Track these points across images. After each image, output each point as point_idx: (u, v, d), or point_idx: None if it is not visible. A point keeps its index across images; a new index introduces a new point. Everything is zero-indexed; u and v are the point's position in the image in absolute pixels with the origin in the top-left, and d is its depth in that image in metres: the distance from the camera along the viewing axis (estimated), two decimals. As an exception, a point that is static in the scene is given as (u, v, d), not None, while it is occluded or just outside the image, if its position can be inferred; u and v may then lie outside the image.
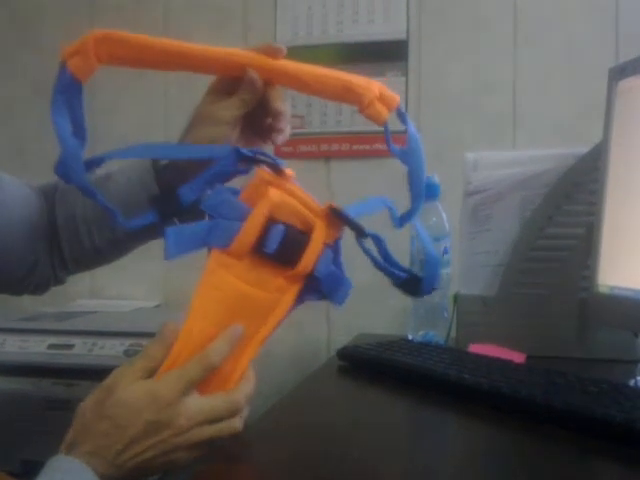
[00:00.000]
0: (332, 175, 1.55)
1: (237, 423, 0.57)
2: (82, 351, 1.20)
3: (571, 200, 0.99)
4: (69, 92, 0.58)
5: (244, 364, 0.58)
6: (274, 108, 0.66)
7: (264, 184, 0.57)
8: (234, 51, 0.63)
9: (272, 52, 0.63)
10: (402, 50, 1.56)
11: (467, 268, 1.08)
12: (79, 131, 0.59)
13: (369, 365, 0.88)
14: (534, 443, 0.60)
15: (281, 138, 0.70)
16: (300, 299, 0.59)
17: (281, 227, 0.56)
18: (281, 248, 0.56)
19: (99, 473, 0.51)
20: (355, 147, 1.55)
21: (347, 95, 0.60)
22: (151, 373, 0.55)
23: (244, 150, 0.58)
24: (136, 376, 0.54)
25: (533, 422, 0.63)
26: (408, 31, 1.56)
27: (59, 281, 0.82)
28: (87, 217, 0.75)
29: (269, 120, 0.69)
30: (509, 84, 1.50)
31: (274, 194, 0.56)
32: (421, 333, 1.06)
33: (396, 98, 0.61)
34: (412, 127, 0.62)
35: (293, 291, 0.57)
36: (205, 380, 0.55)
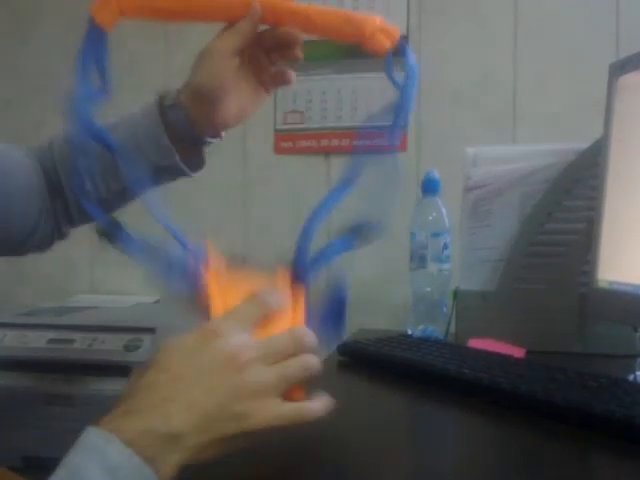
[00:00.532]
0: (332, 171, 1.55)
1: (308, 357, 0.50)
2: (82, 346, 1.20)
3: (571, 195, 0.99)
4: (96, 43, 0.62)
5: None
6: (287, 32, 0.66)
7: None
8: None
9: None
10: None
11: (467, 263, 1.08)
12: (103, 79, 0.63)
13: (369, 360, 0.88)
14: (533, 438, 0.60)
15: (291, 76, 0.72)
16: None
17: None
18: None
19: (140, 431, 0.42)
20: (355, 142, 1.55)
21: (349, 28, 0.62)
22: None
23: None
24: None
25: (532, 417, 0.63)
26: (408, 27, 1.55)
27: (63, 236, 0.81)
28: (91, 169, 0.71)
29: (274, 69, 0.71)
30: (509, 79, 1.50)
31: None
32: (421, 328, 1.06)
33: (397, 29, 0.63)
34: (412, 59, 0.63)
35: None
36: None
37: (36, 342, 1.23)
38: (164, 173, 0.74)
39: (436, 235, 1.04)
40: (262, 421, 0.46)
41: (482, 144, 1.12)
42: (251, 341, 0.48)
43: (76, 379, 1.20)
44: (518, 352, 0.89)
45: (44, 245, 0.80)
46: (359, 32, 0.61)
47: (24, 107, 1.76)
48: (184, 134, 0.72)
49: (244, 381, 0.46)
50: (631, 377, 0.78)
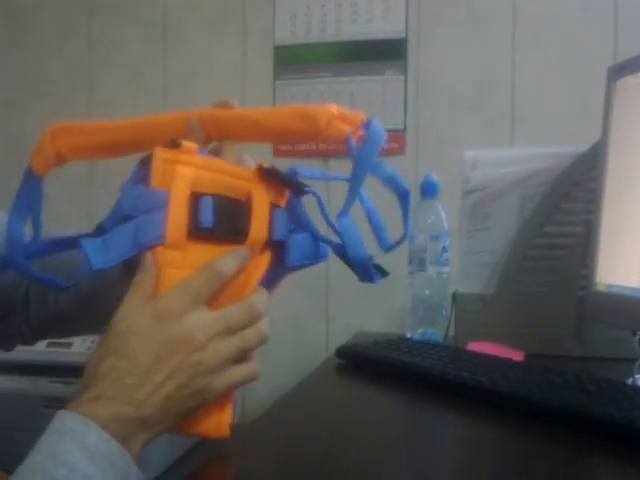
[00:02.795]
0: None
1: (262, 326, 0.51)
2: (80, 349, 1.20)
3: (570, 199, 1.00)
4: (31, 188, 0.57)
5: None
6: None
7: (168, 164, 0.51)
8: (184, 112, 0.58)
9: (224, 106, 0.58)
10: (401, 49, 1.56)
11: (466, 266, 1.08)
12: (36, 223, 0.58)
13: (368, 363, 0.88)
14: (532, 441, 0.60)
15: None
16: (279, 271, 0.54)
17: (209, 198, 0.50)
18: (221, 221, 0.50)
19: (108, 416, 0.44)
20: (354, 146, 1.55)
21: (302, 124, 0.55)
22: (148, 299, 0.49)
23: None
24: (132, 302, 0.48)
25: (531, 420, 0.63)
26: (407, 30, 1.56)
27: (26, 340, 0.77)
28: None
29: None
30: (508, 83, 1.50)
31: (184, 171, 0.51)
32: (420, 331, 1.06)
33: (360, 115, 0.55)
34: (378, 129, 0.54)
35: (261, 263, 0.52)
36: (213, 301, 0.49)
37: (35, 345, 1.23)
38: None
39: (435, 238, 1.04)
40: (220, 391, 0.49)
41: (481, 147, 1.13)
42: (205, 319, 0.48)
43: (74, 382, 1.19)
44: (517, 355, 0.89)
45: (7, 340, 0.76)
46: (313, 126, 0.54)
47: (21, 108, 1.76)
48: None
49: (201, 361, 0.47)
50: (630, 380, 0.78)
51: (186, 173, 0.51)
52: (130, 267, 0.67)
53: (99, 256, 0.49)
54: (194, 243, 0.50)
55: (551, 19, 1.48)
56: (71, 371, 1.20)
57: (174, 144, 0.51)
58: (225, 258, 0.50)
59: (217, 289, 0.49)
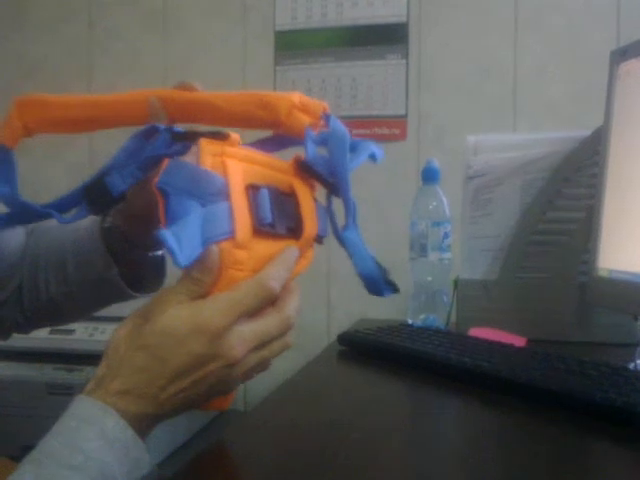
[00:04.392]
0: (332, 160, 1.54)
1: (289, 338, 0.52)
2: (83, 336, 1.20)
3: (572, 184, 0.99)
4: (2, 162, 0.56)
5: None
6: None
7: (217, 157, 0.48)
8: (145, 91, 0.57)
9: (186, 87, 0.57)
10: (402, 33, 1.55)
11: (467, 252, 1.08)
12: (11, 195, 0.57)
13: (369, 350, 0.88)
14: (534, 426, 0.60)
15: None
16: None
17: (265, 191, 0.48)
18: (278, 215, 0.49)
19: (133, 413, 0.45)
20: (354, 132, 1.54)
21: (262, 112, 0.53)
22: (197, 298, 0.47)
23: (177, 128, 0.51)
24: (179, 299, 0.47)
25: (533, 405, 0.63)
26: (408, 14, 1.55)
27: (21, 329, 0.77)
28: (48, 265, 0.72)
29: None
30: (510, 67, 1.49)
31: (233, 164, 0.48)
32: (421, 317, 1.06)
33: (322, 105, 0.54)
34: (337, 125, 0.53)
35: (306, 261, 0.53)
36: None
37: (37, 332, 1.23)
38: (108, 286, 0.70)
39: (437, 224, 1.04)
40: (234, 389, 0.51)
41: (483, 133, 1.12)
42: (246, 335, 0.47)
43: (77, 369, 1.20)
44: (519, 341, 0.89)
45: (4, 329, 0.76)
46: (273, 115, 0.52)
47: (20, 93, 1.75)
48: (127, 257, 0.69)
49: (231, 373, 0.48)
50: (631, 365, 0.78)
51: (238, 165, 0.48)
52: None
53: (183, 254, 0.45)
54: (257, 241, 0.48)
55: (553, 3, 1.47)
56: (74, 358, 1.20)
57: (219, 135, 0.48)
58: (275, 271, 0.48)
59: (267, 303, 0.49)
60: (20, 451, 0.43)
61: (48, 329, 1.22)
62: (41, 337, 1.21)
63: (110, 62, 1.72)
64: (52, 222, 0.59)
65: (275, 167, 0.51)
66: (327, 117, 0.53)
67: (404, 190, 1.36)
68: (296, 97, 0.52)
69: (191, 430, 1.42)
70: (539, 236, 1.01)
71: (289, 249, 0.50)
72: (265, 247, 0.49)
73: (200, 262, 0.46)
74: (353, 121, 1.54)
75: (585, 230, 0.94)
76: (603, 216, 0.87)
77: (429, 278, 1.06)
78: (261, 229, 0.48)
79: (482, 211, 1.07)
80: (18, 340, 1.22)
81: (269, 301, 0.49)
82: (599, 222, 0.87)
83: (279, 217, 0.49)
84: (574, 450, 0.55)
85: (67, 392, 1.17)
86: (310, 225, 0.51)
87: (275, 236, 0.49)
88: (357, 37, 1.58)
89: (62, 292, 0.72)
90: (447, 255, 1.06)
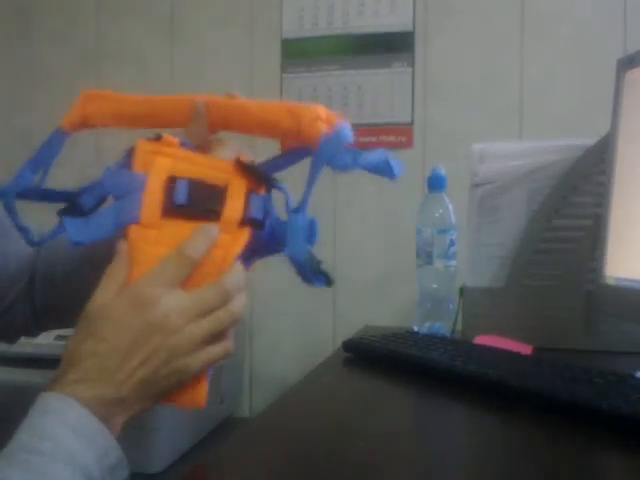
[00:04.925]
0: (338, 167, 1.55)
1: (235, 307, 0.52)
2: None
3: (578, 192, 0.99)
4: (53, 140, 0.61)
5: None
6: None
7: (149, 154, 0.54)
8: (194, 95, 0.61)
9: (228, 96, 0.61)
10: (408, 41, 1.56)
11: (473, 260, 1.08)
12: (44, 173, 0.61)
13: (375, 357, 0.88)
14: (540, 434, 0.60)
15: None
16: (258, 248, 0.56)
17: (184, 181, 0.53)
18: (196, 200, 0.53)
19: (91, 398, 0.47)
20: (361, 139, 1.55)
21: (288, 119, 0.56)
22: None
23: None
24: (107, 289, 0.50)
25: (539, 413, 0.63)
26: (414, 22, 1.55)
27: (29, 332, 0.77)
28: (66, 260, 0.72)
29: None
30: (516, 75, 1.50)
31: (162, 160, 0.54)
32: (427, 325, 1.06)
33: (340, 117, 0.56)
34: (343, 132, 0.54)
35: (239, 240, 0.54)
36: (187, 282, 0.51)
37: (44, 338, 1.23)
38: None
39: (442, 232, 1.04)
40: (196, 371, 0.51)
41: (489, 140, 1.12)
42: (180, 303, 0.50)
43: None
44: (525, 349, 0.89)
45: (9, 333, 0.77)
46: (297, 124, 0.55)
47: (28, 102, 1.76)
48: None
49: (177, 344, 0.50)
50: (638, 373, 0.78)
51: (164, 162, 0.54)
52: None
53: (79, 233, 0.53)
54: (168, 220, 0.53)
55: (560, 10, 1.47)
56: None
57: (156, 136, 0.55)
58: (192, 241, 0.52)
59: (189, 271, 0.51)
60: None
61: (54, 335, 1.22)
62: (47, 343, 1.22)
63: (118, 71, 1.72)
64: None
65: (213, 166, 0.55)
66: (339, 125, 0.55)
67: (410, 197, 1.36)
68: (322, 110, 0.55)
69: (196, 437, 1.42)
70: (545, 244, 1.01)
71: (206, 226, 0.53)
72: (180, 227, 0.53)
73: (115, 261, 0.52)
74: (359, 129, 1.54)
75: (592, 238, 0.94)
76: (610, 224, 0.87)
77: (435, 285, 1.06)
78: (173, 211, 0.53)
79: (488, 219, 1.07)
80: (24, 346, 1.22)
81: (191, 266, 0.51)
82: (606, 230, 0.87)
83: (198, 202, 0.53)
84: (580, 458, 0.55)
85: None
86: (232, 208, 0.54)
87: (191, 217, 0.53)
88: (363, 45, 1.59)
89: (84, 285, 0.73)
90: (453, 263, 1.06)
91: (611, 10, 1.44)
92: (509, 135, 1.48)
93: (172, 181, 0.54)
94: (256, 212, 0.54)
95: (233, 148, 0.58)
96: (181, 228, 0.53)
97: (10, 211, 0.59)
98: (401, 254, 1.33)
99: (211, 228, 0.52)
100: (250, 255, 0.56)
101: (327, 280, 0.55)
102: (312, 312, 1.58)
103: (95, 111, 0.61)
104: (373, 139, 1.54)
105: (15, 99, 1.79)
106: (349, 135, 0.54)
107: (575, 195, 0.99)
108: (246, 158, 0.55)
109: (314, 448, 0.58)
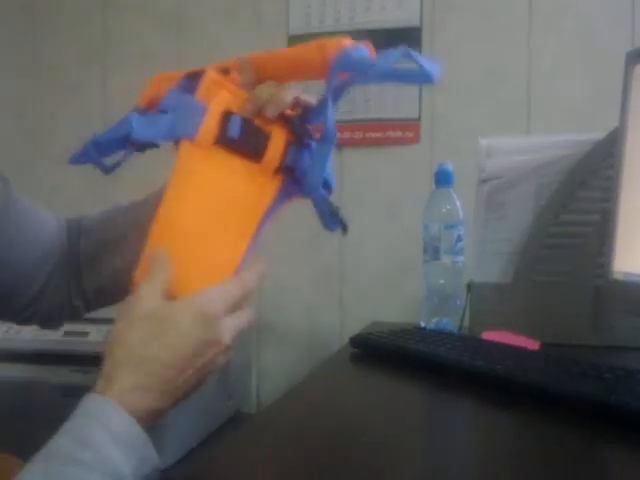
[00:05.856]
0: (344, 163, 1.55)
1: (252, 314, 0.57)
2: (97, 338, 1.21)
3: (586, 187, 0.99)
4: (129, 114, 0.62)
5: (238, 260, 0.58)
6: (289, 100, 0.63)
7: (215, 85, 0.60)
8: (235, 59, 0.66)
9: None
10: (415, 37, 1.55)
11: (481, 256, 1.08)
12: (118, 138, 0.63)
13: (382, 352, 0.88)
14: (548, 430, 0.60)
15: None
16: (285, 195, 0.61)
17: (238, 117, 0.58)
18: (244, 137, 0.58)
19: (142, 408, 0.47)
20: (368, 135, 1.54)
21: (316, 51, 0.60)
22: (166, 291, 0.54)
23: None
24: (154, 290, 0.53)
25: (547, 409, 0.63)
26: (421, 17, 1.54)
27: (76, 313, 0.78)
28: (111, 242, 0.73)
29: None
30: (523, 70, 1.49)
31: (225, 94, 0.59)
32: (434, 321, 1.06)
33: (367, 43, 0.62)
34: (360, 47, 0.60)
35: (273, 185, 0.60)
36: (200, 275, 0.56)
37: (52, 334, 1.24)
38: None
39: (450, 227, 1.04)
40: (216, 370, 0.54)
41: (496, 135, 1.12)
42: (234, 324, 0.54)
43: (92, 371, 1.20)
44: (533, 344, 0.88)
45: (53, 318, 0.77)
46: (323, 54, 0.59)
47: (37, 100, 1.77)
48: None
49: (220, 364, 0.54)
50: (647, 369, 0.77)
51: (226, 95, 0.60)
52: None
53: (140, 131, 0.57)
54: (217, 148, 0.58)
55: (567, 4, 1.46)
56: (89, 360, 1.21)
57: (225, 70, 0.61)
58: (252, 275, 0.57)
59: (246, 298, 0.56)
60: (33, 453, 0.43)
61: (61, 332, 1.22)
62: (55, 339, 1.22)
63: (124, 66, 1.72)
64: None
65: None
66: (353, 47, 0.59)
67: (417, 193, 1.36)
68: (347, 40, 0.60)
69: (204, 433, 1.42)
70: (553, 239, 1.01)
71: (260, 263, 0.58)
72: (225, 156, 0.58)
73: (153, 268, 0.54)
74: (366, 124, 1.54)
75: (600, 233, 0.94)
76: (618, 219, 0.86)
77: (442, 281, 1.06)
78: (224, 140, 0.58)
79: (495, 214, 1.07)
80: (32, 343, 1.23)
81: (247, 296, 0.55)
82: (614, 225, 0.87)
83: (246, 140, 0.58)
84: (588, 454, 0.55)
85: (81, 394, 1.17)
86: (272, 152, 0.59)
87: (236, 151, 0.58)
88: (370, 41, 1.58)
89: (128, 263, 0.73)
90: (460, 258, 1.05)
91: (619, 3, 1.43)
92: (516, 130, 1.47)
93: (228, 114, 0.58)
94: (291, 162, 0.59)
95: (294, 91, 0.61)
96: (226, 158, 0.58)
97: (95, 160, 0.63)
98: (408, 250, 1.33)
99: (258, 270, 0.58)
100: (279, 199, 0.61)
101: (343, 226, 0.61)
102: (319, 308, 1.58)
103: (161, 92, 0.64)
104: (380, 134, 1.54)
105: (21, 96, 1.80)
106: (366, 51, 0.60)
107: (583, 190, 0.99)
108: (305, 99, 0.61)
109: (321, 444, 0.58)
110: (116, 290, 0.76)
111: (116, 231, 0.73)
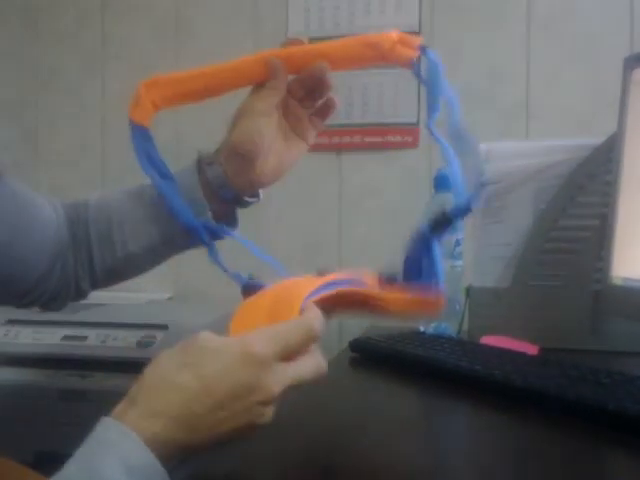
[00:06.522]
0: (343, 167, 1.55)
1: (322, 362, 0.52)
2: (95, 342, 1.21)
3: (585, 192, 0.99)
4: (141, 139, 0.64)
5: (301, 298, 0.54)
6: (312, 76, 0.67)
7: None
8: (258, 55, 0.67)
9: (292, 43, 0.68)
10: (414, 41, 1.55)
11: (480, 260, 1.08)
12: (163, 171, 0.66)
13: (381, 357, 0.88)
14: (546, 435, 0.60)
15: (334, 101, 0.74)
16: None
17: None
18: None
19: (160, 439, 0.43)
20: (367, 139, 1.54)
21: (368, 51, 0.63)
22: None
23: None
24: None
25: (545, 414, 0.63)
26: (420, 21, 1.55)
27: (81, 295, 0.78)
28: (124, 224, 0.73)
29: (309, 114, 0.74)
30: (522, 74, 1.49)
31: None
32: (433, 325, 1.06)
33: (417, 39, 0.65)
34: (434, 57, 0.66)
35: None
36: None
37: (50, 339, 1.24)
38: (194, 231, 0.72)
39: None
40: (247, 438, 0.48)
41: (495, 140, 1.12)
42: (285, 375, 0.48)
43: (90, 375, 1.20)
44: (531, 349, 0.88)
45: (57, 300, 0.77)
46: (378, 51, 0.63)
47: (36, 102, 1.77)
48: (221, 193, 0.72)
49: (265, 413, 0.47)
50: (646, 374, 0.77)
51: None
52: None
53: None
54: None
55: (566, 9, 1.46)
56: (87, 364, 1.20)
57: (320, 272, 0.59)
58: (320, 320, 0.50)
59: (309, 346, 0.49)
60: (33, 457, 0.42)
61: (60, 335, 1.22)
62: (53, 343, 1.22)
63: (124, 70, 1.73)
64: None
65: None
66: (423, 49, 0.64)
67: (416, 197, 1.36)
68: (394, 34, 0.63)
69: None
70: (552, 244, 1.01)
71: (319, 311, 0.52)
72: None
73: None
74: (365, 129, 1.54)
75: (599, 238, 0.94)
76: (617, 224, 0.86)
77: (441, 286, 1.06)
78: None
79: (494, 219, 1.07)
80: (30, 346, 1.23)
81: (312, 342, 0.49)
82: (613, 230, 0.87)
83: None
84: (587, 459, 0.55)
85: (79, 398, 1.18)
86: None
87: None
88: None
89: (143, 247, 0.73)
90: (459, 263, 1.05)
91: (618, 8, 1.43)
92: (515, 135, 1.47)
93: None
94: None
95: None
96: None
97: (191, 226, 0.67)
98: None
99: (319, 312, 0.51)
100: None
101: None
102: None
103: (160, 96, 0.65)
104: (379, 139, 1.54)
105: (21, 99, 1.80)
106: (439, 62, 0.65)
107: (582, 195, 0.99)
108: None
109: (319, 447, 0.58)
110: (126, 271, 0.78)
111: (133, 213, 0.73)
